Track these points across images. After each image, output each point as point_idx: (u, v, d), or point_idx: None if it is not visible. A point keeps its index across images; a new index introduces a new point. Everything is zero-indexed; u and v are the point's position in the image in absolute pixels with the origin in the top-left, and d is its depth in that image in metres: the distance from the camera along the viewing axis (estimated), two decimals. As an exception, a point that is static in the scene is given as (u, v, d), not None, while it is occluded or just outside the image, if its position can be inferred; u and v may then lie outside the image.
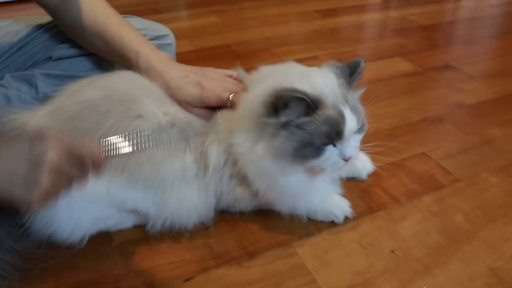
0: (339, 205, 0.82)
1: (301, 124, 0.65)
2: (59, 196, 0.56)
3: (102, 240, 0.77)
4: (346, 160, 0.68)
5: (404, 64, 1.49)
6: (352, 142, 0.69)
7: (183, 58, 0.99)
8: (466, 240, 0.77)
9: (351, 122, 0.67)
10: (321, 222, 0.81)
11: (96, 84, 0.78)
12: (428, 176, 0.94)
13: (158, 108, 0.74)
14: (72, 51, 0.96)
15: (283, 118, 0.65)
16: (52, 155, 0.51)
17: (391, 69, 1.46)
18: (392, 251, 0.75)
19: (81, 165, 0.54)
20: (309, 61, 1.50)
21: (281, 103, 0.63)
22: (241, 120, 0.71)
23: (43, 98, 0.90)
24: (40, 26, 0.98)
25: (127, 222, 0.80)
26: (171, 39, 1.07)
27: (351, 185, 0.90)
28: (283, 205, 0.76)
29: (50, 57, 0.96)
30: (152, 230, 0.77)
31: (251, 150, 0.68)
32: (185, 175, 0.73)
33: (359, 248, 0.76)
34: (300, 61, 0.79)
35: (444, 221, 0.82)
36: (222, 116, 0.75)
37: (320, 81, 0.68)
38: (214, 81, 0.79)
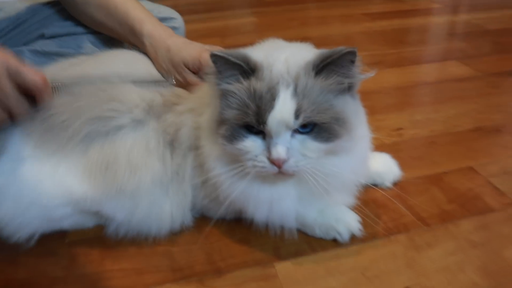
0: (343, 219, 0.64)
1: (226, 92, 0.54)
2: None
3: (54, 235, 0.66)
4: (273, 162, 0.52)
5: (459, 68, 1.27)
6: (294, 144, 0.52)
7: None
8: (516, 284, 0.57)
9: (282, 107, 0.50)
10: (320, 240, 0.64)
11: (76, 66, 0.72)
12: (473, 195, 0.74)
13: (137, 94, 0.66)
14: (66, 29, 0.90)
15: (212, 79, 0.55)
16: None
17: (442, 72, 1.25)
18: (407, 288, 0.56)
19: (21, 93, 0.54)
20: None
21: (214, 64, 0.54)
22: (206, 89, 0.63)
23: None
24: (42, 5, 0.93)
25: (87, 222, 0.68)
26: (178, 23, 0.98)
27: (366, 197, 0.70)
28: (254, 211, 0.59)
29: (43, 35, 0.89)
30: (114, 234, 0.65)
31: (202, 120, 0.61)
32: (164, 176, 0.64)
33: (361, 279, 0.58)
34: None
35: (488, 255, 0.62)
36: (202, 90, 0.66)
37: (285, 55, 0.54)
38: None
